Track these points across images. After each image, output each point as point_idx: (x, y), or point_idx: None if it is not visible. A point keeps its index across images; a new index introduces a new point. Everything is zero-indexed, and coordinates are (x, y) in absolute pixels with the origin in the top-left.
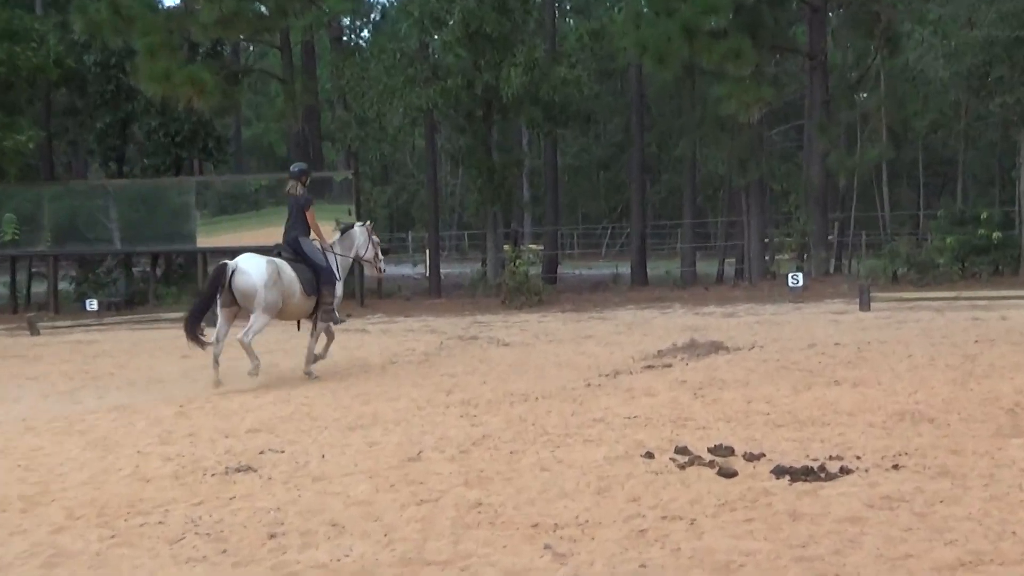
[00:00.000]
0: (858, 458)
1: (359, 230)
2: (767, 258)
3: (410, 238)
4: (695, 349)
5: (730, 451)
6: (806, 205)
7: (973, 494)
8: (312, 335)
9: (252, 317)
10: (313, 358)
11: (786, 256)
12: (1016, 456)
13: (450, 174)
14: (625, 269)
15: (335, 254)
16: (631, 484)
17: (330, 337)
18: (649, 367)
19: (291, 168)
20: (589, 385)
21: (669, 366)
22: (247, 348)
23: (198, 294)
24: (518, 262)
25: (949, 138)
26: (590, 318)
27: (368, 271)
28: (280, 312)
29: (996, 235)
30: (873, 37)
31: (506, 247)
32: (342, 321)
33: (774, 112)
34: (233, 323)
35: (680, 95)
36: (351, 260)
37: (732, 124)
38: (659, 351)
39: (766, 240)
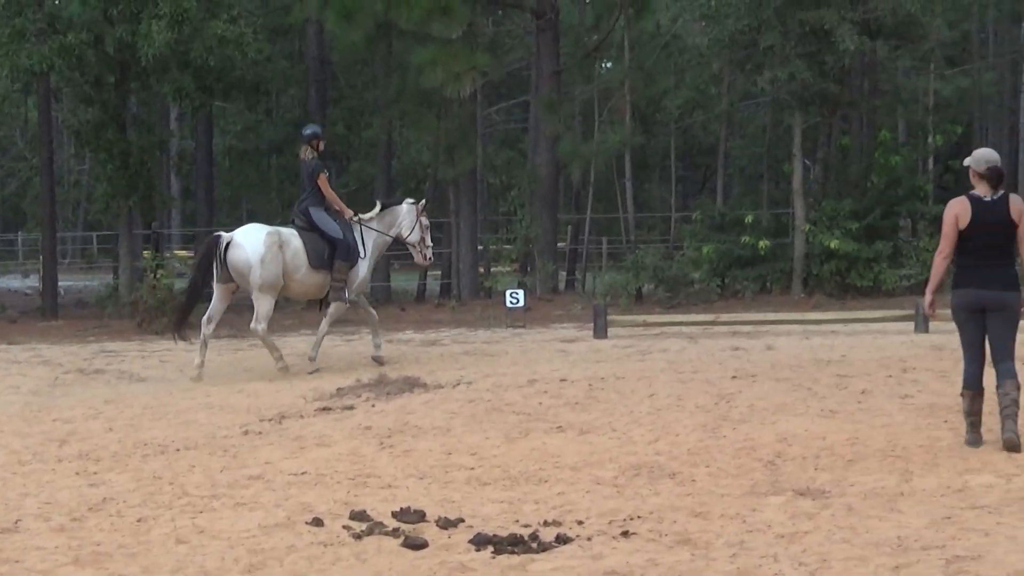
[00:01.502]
0: (580, 523)
1: (406, 207)
2: (481, 271)
3: (20, 241)
4: (384, 386)
5: (420, 516)
6: (531, 204)
7: (717, 567)
8: (326, 318)
9: (254, 300)
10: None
11: (505, 268)
12: (772, 519)
13: (74, 157)
14: None
15: (367, 228)
16: (292, 559)
17: (373, 330)
18: (325, 409)
19: (303, 131)
20: (247, 433)
21: (350, 408)
22: (264, 339)
23: (190, 274)
24: (161, 274)
25: (710, 122)
26: (252, 346)
27: (416, 258)
28: (286, 289)
29: (764, 244)
30: None
31: (145, 254)
32: (354, 301)
33: (493, 85)
34: (230, 301)
35: (373, 61)
36: (389, 239)
37: (439, 99)
38: (339, 389)
39: (480, 248)
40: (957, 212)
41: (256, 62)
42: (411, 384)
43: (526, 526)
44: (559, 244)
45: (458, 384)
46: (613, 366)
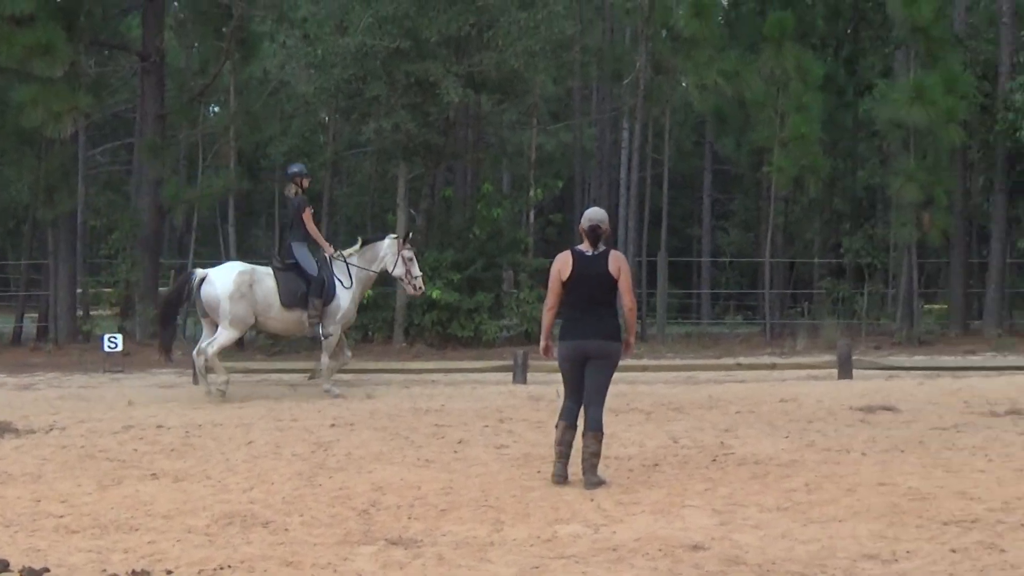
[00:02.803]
0: (169, 573)
1: (387, 242)
2: (80, 314)
3: None
4: None
5: (4, 566)
6: (133, 247)
7: None
8: (323, 352)
9: (220, 330)
10: (329, 372)
11: (106, 312)
12: (363, 568)
13: None
14: None
15: (349, 264)
16: None
17: (334, 361)
18: None
19: (288, 169)
20: None
21: None
22: (210, 359)
23: (160, 303)
24: None
25: (316, 170)
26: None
27: (406, 290)
28: (264, 327)
29: (367, 293)
30: (222, 37)
31: None
32: (329, 335)
33: (97, 126)
34: None
35: None
36: (373, 274)
37: (39, 139)
38: None
39: (79, 291)
40: (560, 266)
41: None
42: (2, 429)
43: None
44: (161, 289)
45: (51, 429)
46: (212, 413)
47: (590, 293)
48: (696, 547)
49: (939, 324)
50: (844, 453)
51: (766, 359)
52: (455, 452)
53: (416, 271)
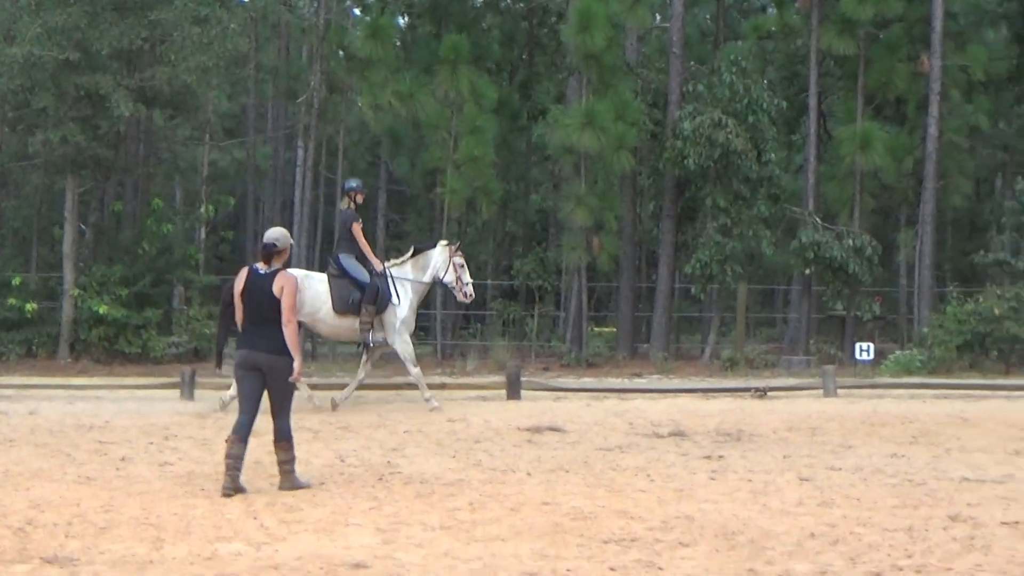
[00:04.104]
0: None
1: (438, 250)
2: None
3: None
4: None
5: None
6: None
7: None
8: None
9: None
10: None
11: None
12: None
13: None
14: None
15: (395, 277)
16: None
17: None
18: None
19: (346, 183)
20: None
21: None
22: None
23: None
24: None
25: None
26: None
27: (457, 296)
28: (314, 329)
29: (31, 307)
30: None
31: None
32: (377, 343)
33: None
34: None
35: None
36: (426, 284)
37: None
38: None
39: None
40: (238, 280)
41: None
42: None
43: None
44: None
45: None
46: None
47: (258, 309)
48: (357, 565)
49: (607, 347)
50: (509, 473)
51: (436, 379)
52: (117, 469)
53: (467, 277)
